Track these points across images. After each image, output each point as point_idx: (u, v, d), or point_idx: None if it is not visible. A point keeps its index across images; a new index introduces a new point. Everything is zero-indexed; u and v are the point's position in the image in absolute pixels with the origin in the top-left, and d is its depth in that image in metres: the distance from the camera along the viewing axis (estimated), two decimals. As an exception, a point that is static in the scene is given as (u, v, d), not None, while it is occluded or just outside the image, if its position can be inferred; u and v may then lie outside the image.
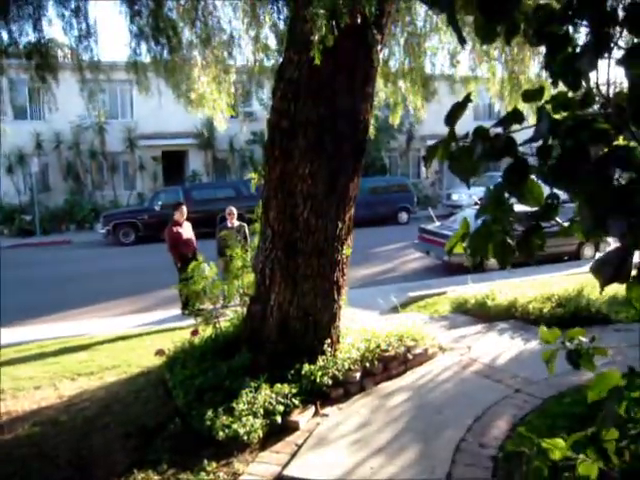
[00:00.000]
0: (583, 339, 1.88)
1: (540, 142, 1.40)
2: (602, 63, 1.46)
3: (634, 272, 1.21)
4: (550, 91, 1.70)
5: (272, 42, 7.40)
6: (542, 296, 8.64)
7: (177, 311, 9.82)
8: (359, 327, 7.00)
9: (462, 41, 1.41)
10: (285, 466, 4.71)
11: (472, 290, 9.48)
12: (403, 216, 24.48)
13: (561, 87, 1.53)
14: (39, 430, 5.55)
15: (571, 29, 1.60)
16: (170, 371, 6.21)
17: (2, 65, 6.57)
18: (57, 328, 9.90)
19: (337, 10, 4.27)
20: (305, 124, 5.82)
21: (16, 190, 25.80)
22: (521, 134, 1.53)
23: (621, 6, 1.49)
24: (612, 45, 1.44)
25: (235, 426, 4.95)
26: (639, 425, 1.62)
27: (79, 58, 6.63)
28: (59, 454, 5.07)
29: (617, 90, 1.53)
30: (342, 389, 5.95)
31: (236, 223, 10.52)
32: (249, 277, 6.98)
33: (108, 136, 26.63)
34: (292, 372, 5.77)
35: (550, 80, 1.58)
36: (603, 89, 1.53)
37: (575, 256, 13.58)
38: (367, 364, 6.20)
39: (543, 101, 1.53)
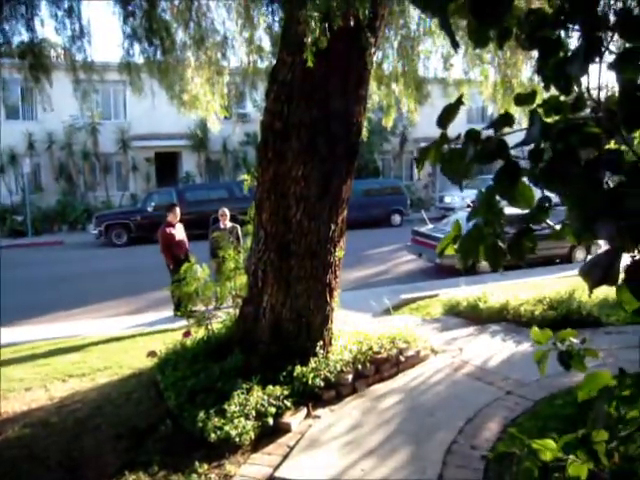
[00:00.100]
0: (574, 340, 1.90)
1: (532, 145, 1.41)
2: (594, 67, 1.47)
3: (622, 275, 1.22)
4: (542, 95, 1.71)
5: (266, 44, 7.41)
6: (534, 298, 8.68)
7: (169, 312, 9.79)
8: (351, 329, 7.01)
9: (455, 45, 1.42)
10: (277, 468, 4.70)
11: (464, 292, 9.50)
12: (396, 218, 24.52)
13: (553, 91, 1.54)
14: (29, 431, 5.52)
15: (563, 34, 1.62)
16: (162, 373, 6.19)
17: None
18: (49, 329, 9.86)
19: (331, 13, 4.28)
20: (298, 126, 5.83)
21: (8, 190, 25.67)
22: (514, 137, 1.54)
23: (612, 11, 1.50)
24: (603, 49, 1.45)
25: (227, 428, 4.95)
26: (629, 426, 1.63)
27: (72, 58, 6.61)
28: (50, 455, 5.05)
29: (609, 94, 1.54)
30: (334, 391, 5.95)
31: (229, 224, 10.50)
32: (242, 279, 6.98)
33: (101, 137, 26.55)
34: (284, 374, 5.77)
35: (542, 84, 1.60)
36: (595, 93, 1.54)
37: (567, 259, 13.64)
38: (359, 366, 6.21)
39: (535, 105, 1.54)
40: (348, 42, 5.62)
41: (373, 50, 6.00)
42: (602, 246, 1.24)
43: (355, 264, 14.11)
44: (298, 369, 5.81)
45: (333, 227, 6.15)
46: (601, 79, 1.62)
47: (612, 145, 1.52)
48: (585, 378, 1.67)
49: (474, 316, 8.83)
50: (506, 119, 1.46)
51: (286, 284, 6.08)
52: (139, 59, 6.74)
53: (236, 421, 5.03)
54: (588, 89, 1.49)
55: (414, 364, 6.80)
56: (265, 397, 5.38)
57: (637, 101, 1.40)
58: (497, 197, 1.47)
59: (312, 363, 5.94)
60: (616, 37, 1.50)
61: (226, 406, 5.20)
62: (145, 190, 26.46)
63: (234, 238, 9.15)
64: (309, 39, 4.51)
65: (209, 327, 6.88)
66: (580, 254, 13.80)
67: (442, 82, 9.03)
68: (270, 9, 6.43)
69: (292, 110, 5.83)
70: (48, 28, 6.42)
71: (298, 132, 5.84)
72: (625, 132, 1.40)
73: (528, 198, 1.41)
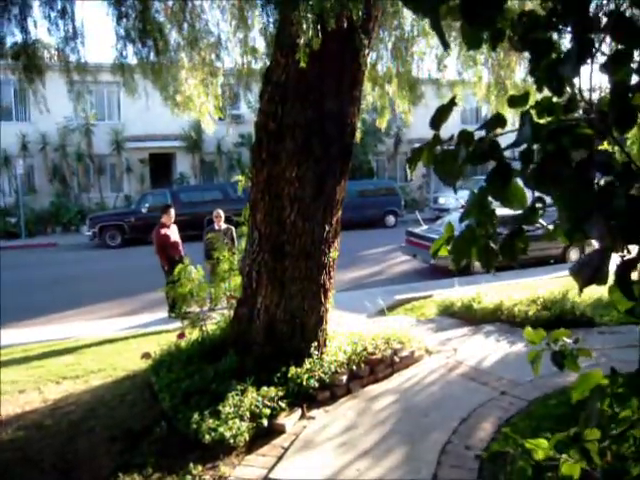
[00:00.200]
0: (568, 340, 1.90)
1: (523, 146, 1.42)
2: (586, 69, 1.48)
3: (612, 274, 1.23)
4: (535, 96, 1.72)
5: (260, 45, 7.41)
6: (528, 299, 8.70)
7: (164, 314, 9.78)
8: (346, 330, 7.01)
9: (445, 46, 1.42)
10: (271, 469, 4.70)
11: (458, 293, 9.52)
12: (390, 219, 24.57)
13: (546, 92, 1.55)
14: (23, 434, 5.50)
15: (556, 36, 1.62)
16: (156, 374, 6.17)
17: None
18: (43, 331, 9.83)
19: (324, 14, 4.29)
20: (292, 127, 5.84)
21: (1, 192, 25.59)
22: (508, 138, 1.55)
23: (603, 13, 1.51)
24: (595, 51, 1.46)
25: (221, 429, 4.94)
26: (621, 425, 1.64)
27: (66, 59, 6.59)
28: (43, 458, 5.03)
29: (602, 95, 1.55)
30: (329, 392, 5.95)
31: (223, 226, 10.50)
32: (236, 280, 6.97)
33: (95, 138, 26.51)
34: (279, 375, 5.77)
35: (535, 85, 1.60)
36: (587, 95, 1.55)
37: (561, 259, 13.68)
38: (354, 367, 6.21)
39: (528, 106, 1.54)
40: (342, 43, 5.63)
41: (367, 51, 6.01)
42: (595, 246, 1.25)
43: (349, 265, 14.12)
44: (292, 370, 5.80)
45: (327, 228, 6.15)
46: (594, 81, 1.64)
47: (606, 146, 1.53)
48: (578, 379, 1.68)
49: (468, 316, 8.85)
50: (498, 120, 1.46)
51: (280, 285, 6.08)
52: (132, 60, 6.73)
53: (230, 422, 5.02)
54: (580, 90, 1.49)
55: (408, 365, 6.81)
56: (259, 398, 5.37)
57: (628, 102, 1.41)
58: (489, 198, 1.47)
59: (306, 364, 5.94)
60: (608, 39, 1.51)
61: (220, 407, 5.19)
62: (139, 191, 26.43)
63: (228, 239, 9.15)
64: (302, 40, 4.52)
65: (203, 328, 6.87)
66: (574, 254, 13.85)
67: (436, 83, 9.05)
68: (265, 10, 6.43)
69: (286, 111, 5.83)
70: (41, 29, 6.41)
71: (292, 133, 5.85)
72: (617, 133, 1.40)
73: (520, 199, 1.42)
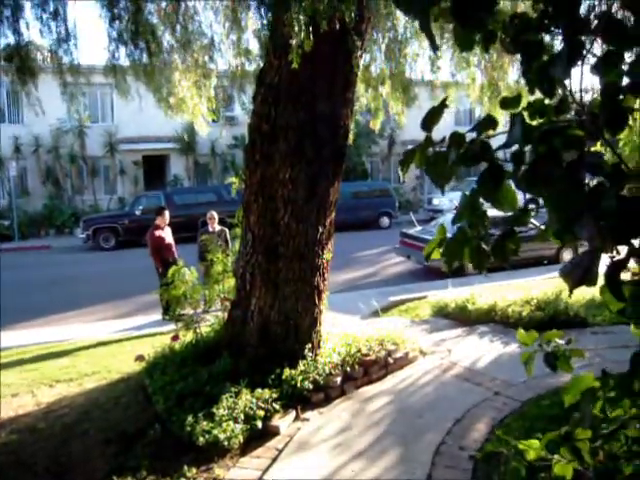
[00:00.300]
0: (560, 341, 1.91)
1: (514, 147, 1.43)
2: (578, 71, 1.49)
3: (602, 276, 1.23)
4: (528, 98, 1.73)
5: (254, 46, 7.41)
6: (521, 300, 8.73)
7: (158, 316, 9.75)
8: (340, 331, 7.01)
9: (434, 48, 1.43)
10: (266, 471, 4.69)
11: (453, 294, 9.55)
12: (385, 221, 24.61)
13: (539, 94, 1.55)
14: (16, 438, 5.47)
15: (548, 38, 1.63)
16: (150, 377, 6.16)
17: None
18: (37, 334, 9.78)
19: (316, 16, 4.29)
20: (285, 128, 5.84)
21: (-6, 194, 25.51)
22: (501, 140, 1.55)
23: (593, 15, 1.52)
24: (585, 53, 1.46)
25: (215, 431, 4.93)
26: (613, 424, 1.65)
27: (59, 61, 6.57)
28: (37, 461, 5.00)
29: (594, 97, 1.55)
30: (323, 393, 5.94)
31: (217, 228, 10.49)
32: (230, 282, 6.96)
33: (88, 140, 26.44)
34: (273, 377, 5.76)
35: (527, 87, 1.61)
36: (578, 96, 1.55)
37: (555, 260, 13.72)
38: (348, 368, 6.21)
39: (520, 108, 1.55)
40: (334, 45, 5.64)
41: (360, 53, 6.01)
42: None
43: (344, 266, 14.13)
44: (287, 372, 5.80)
45: (321, 229, 6.16)
46: (588, 82, 1.64)
47: (599, 147, 1.54)
48: (570, 382, 1.68)
49: (463, 317, 8.87)
50: (490, 122, 1.47)
51: (274, 287, 6.07)
52: (125, 62, 6.72)
53: (225, 425, 5.01)
54: (571, 92, 1.50)
55: (403, 366, 6.82)
56: (254, 400, 5.37)
57: (619, 104, 1.42)
58: (481, 200, 1.48)
59: (301, 366, 5.94)
60: (599, 41, 1.52)
61: (214, 410, 5.18)
62: (133, 193, 26.39)
63: (222, 241, 9.15)
64: (294, 41, 4.52)
65: (197, 331, 6.86)
66: (567, 255, 13.89)
67: (430, 85, 9.07)
68: (259, 12, 6.44)
69: (279, 113, 5.84)
70: (34, 31, 6.38)
71: (285, 134, 5.85)
72: (608, 134, 1.41)
73: (511, 201, 1.43)
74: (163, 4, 6.95)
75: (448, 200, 22.95)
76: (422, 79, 8.93)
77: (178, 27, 7.02)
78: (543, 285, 9.76)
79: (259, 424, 5.21)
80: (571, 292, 1.27)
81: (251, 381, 5.62)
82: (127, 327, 9.95)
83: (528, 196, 1.44)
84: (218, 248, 7.43)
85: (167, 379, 5.83)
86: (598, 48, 1.64)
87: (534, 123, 1.50)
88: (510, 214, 1.46)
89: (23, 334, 9.75)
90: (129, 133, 26.72)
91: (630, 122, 1.45)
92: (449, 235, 1.62)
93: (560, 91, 1.53)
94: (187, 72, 7.59)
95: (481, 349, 7.46)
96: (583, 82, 1.55)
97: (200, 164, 29.11)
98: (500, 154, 1.51)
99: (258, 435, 5.20)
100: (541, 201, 1.47)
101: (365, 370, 6.40)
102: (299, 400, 5.74)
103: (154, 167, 28.75)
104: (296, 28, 4.35)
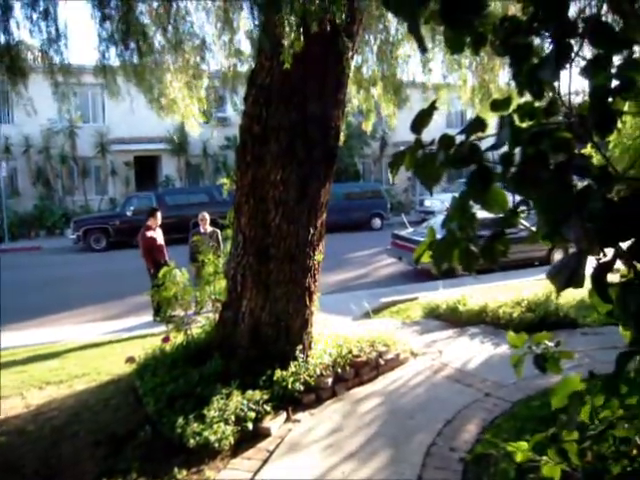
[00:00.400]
0: (550, 343, 1.92)
1: (503, 150, 1.43)
2: (569, 73, 1.50)
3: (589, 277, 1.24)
4: (518, 100, 1.74)
5: (246, 47, 7.41)
6: (512, 301, 8.76)
7: (149, 318, 9.71)
8: (331, 333, 7.01)
9: (423, 49, 1.43)
10: (257, 472, 4.68)
11: (444, 295, 9.57)
12: (376, 222, 24.65)
13: (528, 96, 1.56)
14: (5, 440, 5.43)
15: (538, 40, 1.64)
16: (140, 378, 6.14)
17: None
18: (27, 335, 9.72)
19: (307, 17, 4.30)
20: (277, 129, 5.84)
21: (-17, 195, 25.32)
22: (491, 142, 1.55)
23: (581, 18, 1.53)
24: (574, 55, 1.47)
25: (206, 433, 4.92)
26: (601, 425, 1.66)
27: (50, 61, 6.53)
28: (26, 464, 4.97)
29: (584, 100, 1.56)
30: (314, 395, 5.94)
31: (209, 229, 10.47)
32: (221, 283, 6.95)
33: (79, 140, 26.34)
34: (264, 378, 5.75)
35: (517, 89, 1.61)
36: (573, 99, 1.56)
37: (546, 261, 13.78)
38: (339, 370, 6.21)
39: (510, 110, 1.56)
40: (325, 46, 5.64)
41: (351, 54, 6.02)
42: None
43: (335, 268, 14.13)
44: (278, 373, 5.80)
45: (312, 231, 6.16)
46: (579, 85, 1.65)
47: (589, 150, 1.54)
48: (558, 385, 1.69)
49: (454, 319, 8.89)
50: (479, 124, 1.47)
51: (265, 288, 6.07)
52: (115, 62, 6.69)
53: (215, 426, 5.00)
54: (559, 94, 1.51)
55: (394, 367, 6.82)
56: (244, 402, 5.36)
57: (608, 107, 1.43)
58: (471, 202, 1.48)
59: (292, 367, 5.93)
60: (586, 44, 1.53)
61: (205, 411, 5.17)
62: (124, 194, 26.30)
63: (214, 242, 9.12)
64: (286, 42, 4.52)
65: (188, 332, 6.83)
66: (558, 256, 13.94)
67: (421, 86, 9.09)
68: (250, 13, 6.43)
69: (271, 113, 5.83)
70: (24, 30, 6.33)
71: (277, 135, 5.85)
72: (597, 137, 1.42)
73: (501, 202, 1.43)
74: (155, 4, 6.93)
75: (440, 202, 23.02)
76: (414, 81, 8.97)
77: (170, 27, 7.00)
78: (534, 286, 9.80)
79: (250, 425, 5.20)
80: (558, 294, 1.27)
81: (242, 382, 5.61)
82: (118, 328, 9.91)
83: (517, 198, 1.45)
84: (209, 249, 7.41)
85: (158, 381, 5.81)
86: (588, 51, 1.65)
87: (524, 125, 1.51)
88: (500, 216, 1.47)
89: (13, 336, 9.67)
90: (120, 134, 26.63)
91: (619, 125, 1.46)
92: (439, 237, 1.62)
93: (549, 94, 1.53)
94: (179, 73, 7.56)
95: (472, 350, 7.48)
96: (573, 85, 1.56)
97: (192, 165, 29.06)
98: (490, 156, 1.52)
99: (249, 437, 5.19)
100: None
101: (356, 371, 6.40)
102: (290, 401, 5.73)
103: (145, 168, 28.67)
104: (287, 29, 4.35)
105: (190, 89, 7.67)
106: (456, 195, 1.51)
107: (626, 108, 1.58)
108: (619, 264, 1.28)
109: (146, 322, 9.80)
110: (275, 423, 5.42)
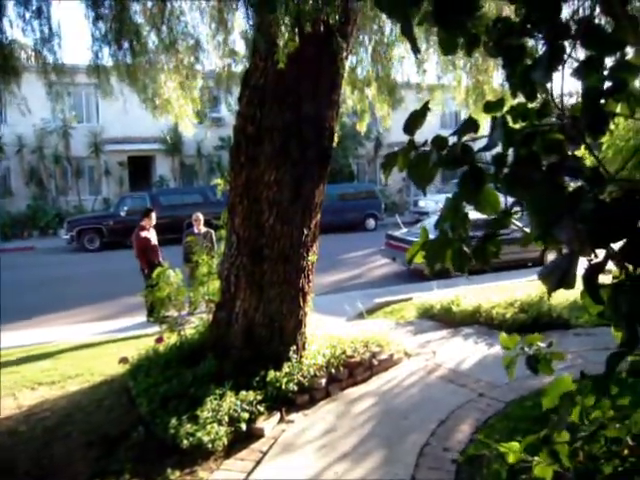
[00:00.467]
0: (542, 344, 1.92)
1: (495, 150, 1.44)
2: (562, 75, 1.50)
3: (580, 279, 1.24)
4: (511, 101, 1.74)
5: (240, 47, 7.39)
6: (505, 302, 8.78)
7: (143, 318, 9.69)
8: (325, 333, 7.01)
9: (415, 50, 1.44)
10: (250, 473, 4.68)
11: (438, 296, 9.58)
12: (371, 223, 24.66)
13: (522, 98, 1.56)
14: (-3, 441, 5.41)
15: (532, 42, 1.64)
16: (134, 379, 6.12)
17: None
18: (20, 336, 9.67)
19: (301, 17, 4.29)
20: (271, 130, 5.83)
21: (-24, 195, 25.22)
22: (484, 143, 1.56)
23: (574, 20, 1.53)
24: (567, 57, 1.47)
25: (199, 434, 4.91)
26: (592, 425, 1.66)
27: (43, 60, 6.50)
28: (17, 465, 4.94)
29: (577, 101, 1.57)
30: (308, 395, 5.94)
31: (203, 229, 10.45)
32: (215, 284, 6.93)
33: (73, 140, 26.24)
34: (257, 379, 5.75)
35: (510, 91, 1.62)
36: (566, 100, 1.57)
37: (539, 262, 13.81)
38: (333, 370, 6.21)
39: (504, 111, 1.56)
40: (319, 46, 5.64)
41: (345, 55, 6.02)
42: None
43: (329, 268, 14.13)
44: (271, 374, 5.79)
45: (306, 231, 6.15)
46: (573, 87, 1.66)
47: (582, 151, 1.55)
48: (549, 385, 1.70)
49: (447, 319, 8.90)
50: (471, 124, 1.47)
51: (259, 289, 6.06)
52: (108, 62, 6.66)
53: (209, 427, 4.99)
54: (552, 96, 1.51)
55: (387, 367, 6.83)
56: (238, 402, 5.35)
57: (600, 108, 1.43)
58: (464, 202, 1.48)
59: (285, 368, 5.93)
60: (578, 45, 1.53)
61: (199, 412, 5.16)
62: (118, 194, 26.21)
63: (208, 243, 9.11)
64: (281, 41, 4.51)
65: (182, 333, 6.82)
66: (552, 257, 13.97)
67: (416, 87, 9.11)
68: (247, 14, 6.42)
69: (265, 114, 5.83)
70: (17, 29, 6.30)
71: (271, 136, 5.84)
72: (589, 138, 1.42)
73: (493, 203, 1.43)
74: (149, 4, 6.91)
75: (434, 202, 23.06)
76: (408, 81, 8.97)
77: (164, 27, 6.98)
78: (527, 287, 9.82)
79: (243, 426, 5.19)
80: (550, 295, 1.28)
81: (235, 383, 5.60)
82: (111, 329, 9.88)
83: (510, 199, 1.45)
84: (203, 250, 7.39)
85: (151, 381, 5.79)
86: (581, 53, 1.65)
87: (517, 127, 1.51)
88: (492, 217, 1.47)
89: (6, 336, 9.62)
90: (114, 133, 26.56)
91: (612, 126, 1.46)
92: (432, 238, 1.63)
93: (542, 95, 1.54)
94: (173, 73, 7.55)
95: (465, 351, 7.50)
96: (566, 86, 1.57)
97: (186, 165, 29.00)
98: (484, 157, 1.52)
99: (242, 437, 5.18)
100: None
101: (350, 372, 6.40)
102: (284, 402, 5.73)
103: (139, 168, 28.59)
104: (282, 29, 4.34)
105: (184, 89, 7.65)
106: (450, 196, 1.52)
107: (618, 110, 1.59)
108: (611, 265, 1.29)
109: (140, 323, 9.78)
110: (269, 424, 5.42)
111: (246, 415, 5.26)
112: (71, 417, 5.81)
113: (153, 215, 10.32)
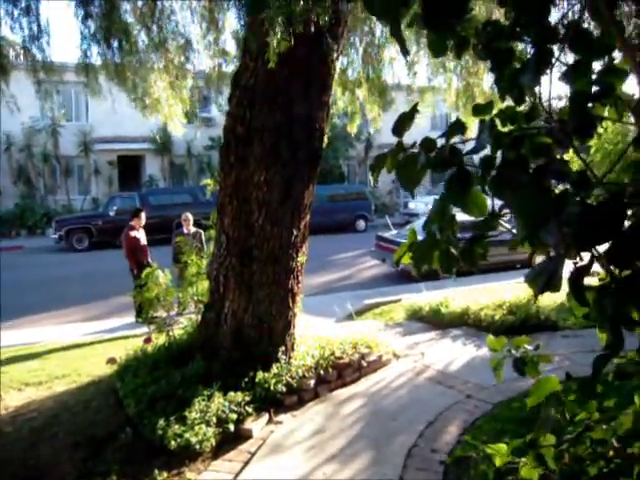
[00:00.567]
0: (529, 347, 1.93)
1: (483, 153, 1.44)
2: (550, 78, 1.51)
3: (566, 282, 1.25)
4: (500, 104, 1.75)
5: (231, 47, 7.39)
6: (494, 303, 8.82)
7: (131, 319, 9.63)
8: (314, 334, 7.01)
9: (404, 52, 1.44)
10: (238, 474, 4.67)
11: (426, 297, 9.60)
12: (361, 224, 24.70)
13: (510, 101, 1.57)
14: (-18, 441, 5.36)
15: (521, 46, 1.65)
16: (121, 380, 6.08)
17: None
18: (7, 336, 9.58)
19: (292, 18, 4.30)
20: (261, 130, 5.82)
21: (-37, 193, 25.01)
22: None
23: (562, 24, 1.54)
24: (555, 61, 1.48)
25: (187, 435, 4.89)
26: (578, 427, 1.67)
27: (32, 58, 6.46)
28: (3, 466, 4.90)
29: (565, 105, 1.57)
30: (296, 396, 5.93)
31: (192, 229, 10.41)
32: (204, 284, 6.92)
33: (62, 139, 26.09)
34: (246, 380, 5.73)
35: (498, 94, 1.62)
36: (555, 104, 1.58)
37: (528, 264, 13.87)
38: (321, 371, 6.21)
39: (493, 114, 1.56)
40: (310, 47, 5.64)
41: (336, 56, 6.03)
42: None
43: (319, 269, 14.13)
44: (260, 375, 5.78)
45: (295, 232, 6.15)
46: (562, 90, 1.67)
47: (571, 154, 1.55)
48: (534, 385, 1.70)
49: (436, 321, 8.93)
50: (459, 127, 1.48)
51: (248, 290, 6.05)
52: (97, 61, 6.63)
53: (197, 428, 4.98)
54: (540, 99, 1.52)
55: (376, 369, 6.83)
56: (226, 403, 5.34)
57: (588, 112, 1.44)
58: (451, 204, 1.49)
59: (274, 369, 5.92)
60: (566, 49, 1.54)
61: (187, 413, 5.14)
62: (107, 194, 26.08)
63: (197, 243, 9.08)
64: (273, 41, 4.50)
65: (170, 333, 6.79)
66: (540, 259, 14.04)
67: (407, 89, 9.13)
68: (238, 14, 6.41)
69: (255, 114, 5.82)
70: (5, 27, 6.26)
71: (261, 137, 5.83)
72: (577, 142, 1.43)
73: (481, 206, 1.44)
74: (139, 3, 6.89)
75: (424, 204, 23.13)
76: (399, 83, 9.00)
77: (154, 27, 6.96)
78: (515, 289, 9.86)
79: (232, 427, 5.18)
80: (536, 298, 1.29)
81: (224, 384, 5.58)
82: (100, 329, 9.82)
83: (497, 201, 1.46)
84: (192, 250, 7.37)
85: (139, 382, 5.76)
86: (569, 57, 1.66)
87: (505, 129, 1.52)
88: (480, 219, 1.47)
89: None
90: (104, 133, 26.43)
91: (600, 130, 1.47)
92: (420, 239, 1.63)
93: (530, 98, 1.55)
94: (163, 72, 7.53)
95: (454, 352, 7.52)
96: (554, 90, 1.58)
97: (176, 165, 28.92)
98: (473, 159, 1.52)
99: (231, 438, 5.17)
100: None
101: (339, 373, 6.40)
102: (272, 403, 5.72)
103: (129, 167, 28.48)
104: (275, 28, 4.34)
105: (174, 89, 7.63)
106: (437, 198, 1.52)
107: (606, 114, 1.60)
108: (597, 267, 1.30)
109: (128, 323, 9.72)
110: (257, 425, 5.41)
111: (234, 416, 5.25)
112: (58, 418, 5.77)
113: (142, 215, 10.27)
